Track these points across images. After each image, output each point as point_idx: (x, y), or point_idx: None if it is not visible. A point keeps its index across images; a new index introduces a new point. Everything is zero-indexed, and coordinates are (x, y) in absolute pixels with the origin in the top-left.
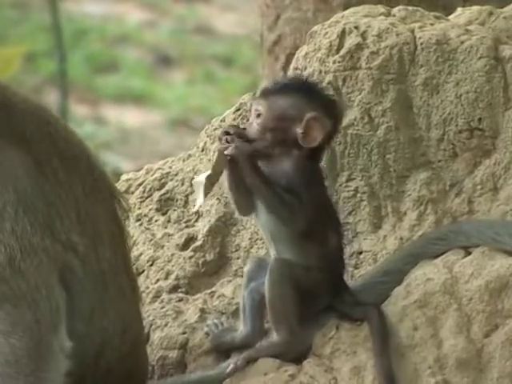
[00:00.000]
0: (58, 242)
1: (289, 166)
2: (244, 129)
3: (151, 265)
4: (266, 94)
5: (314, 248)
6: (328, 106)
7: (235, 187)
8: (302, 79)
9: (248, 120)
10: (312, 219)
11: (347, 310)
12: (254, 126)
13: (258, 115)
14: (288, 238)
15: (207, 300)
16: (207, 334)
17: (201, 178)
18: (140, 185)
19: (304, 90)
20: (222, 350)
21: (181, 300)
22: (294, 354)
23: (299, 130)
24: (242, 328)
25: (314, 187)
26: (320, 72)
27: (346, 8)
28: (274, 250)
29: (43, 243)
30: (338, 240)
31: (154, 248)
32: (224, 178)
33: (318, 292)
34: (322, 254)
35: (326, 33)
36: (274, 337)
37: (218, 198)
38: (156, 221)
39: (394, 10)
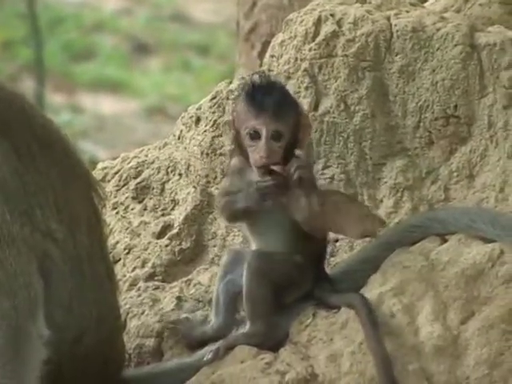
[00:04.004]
0: (37, 230)
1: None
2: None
3: (128, 253)
4: (280, 113)
5: (306, 237)
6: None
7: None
8: (275, 82)
9: (250, 145)
10: None
11: (327, 298)
12: (276, 150)
13: (278, 137)
14: (287, 229)
15: (184, 288)
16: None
17: None
18: (116, 173)
19: (290, 94)
20: (195, 345)
21: (157, 288)
22: (271, 343)
23: (300, 136)
24: (213, 321)
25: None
26: (296, 60)
27: None
28: (257, 243)
29: (22, 232)
30: None
31: (131, 236)
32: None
33: (300, 280)
34: (310, 241)
35: (302, 20)
36: (249, 328)
37: (194, 187)
38: (132, 209)
39: None
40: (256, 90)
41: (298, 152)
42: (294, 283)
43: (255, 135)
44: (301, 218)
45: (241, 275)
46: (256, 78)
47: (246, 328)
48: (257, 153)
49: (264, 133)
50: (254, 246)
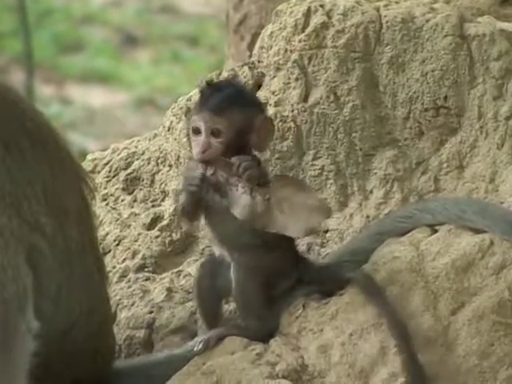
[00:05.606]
0: (24, 222)
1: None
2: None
3: (118, 244)
4: (219, 110)
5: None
6: (262, 105)
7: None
8: (231, 83)
9: (193, 140)
10: None
11: (318, 284)
12: (215, 146)
13: (217, 134)
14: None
15: (174, 279)
16: None
17: None
18: (106, 164)
19: (245, 94)
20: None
21: (147, 279)
22: (262, 336)
23: (254, 137)
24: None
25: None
26: (285, 51)
27: None
28: (226, 251)
29: (10, 224)
30: None
31: (121, 227)
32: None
33: (285, 269)
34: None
35: (292, 11)
36: (242, 322)
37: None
38: (122, 200)
39: None
40: (207, 87)
41: (254, 153)
42: (281, 274)
43: (197, 130)
44: (242, 217)
45: (225, 279)
46: (213, 78)
47: (237, 320)
48: (195, 147)
49: (203, 129)
50: (218, 251)
